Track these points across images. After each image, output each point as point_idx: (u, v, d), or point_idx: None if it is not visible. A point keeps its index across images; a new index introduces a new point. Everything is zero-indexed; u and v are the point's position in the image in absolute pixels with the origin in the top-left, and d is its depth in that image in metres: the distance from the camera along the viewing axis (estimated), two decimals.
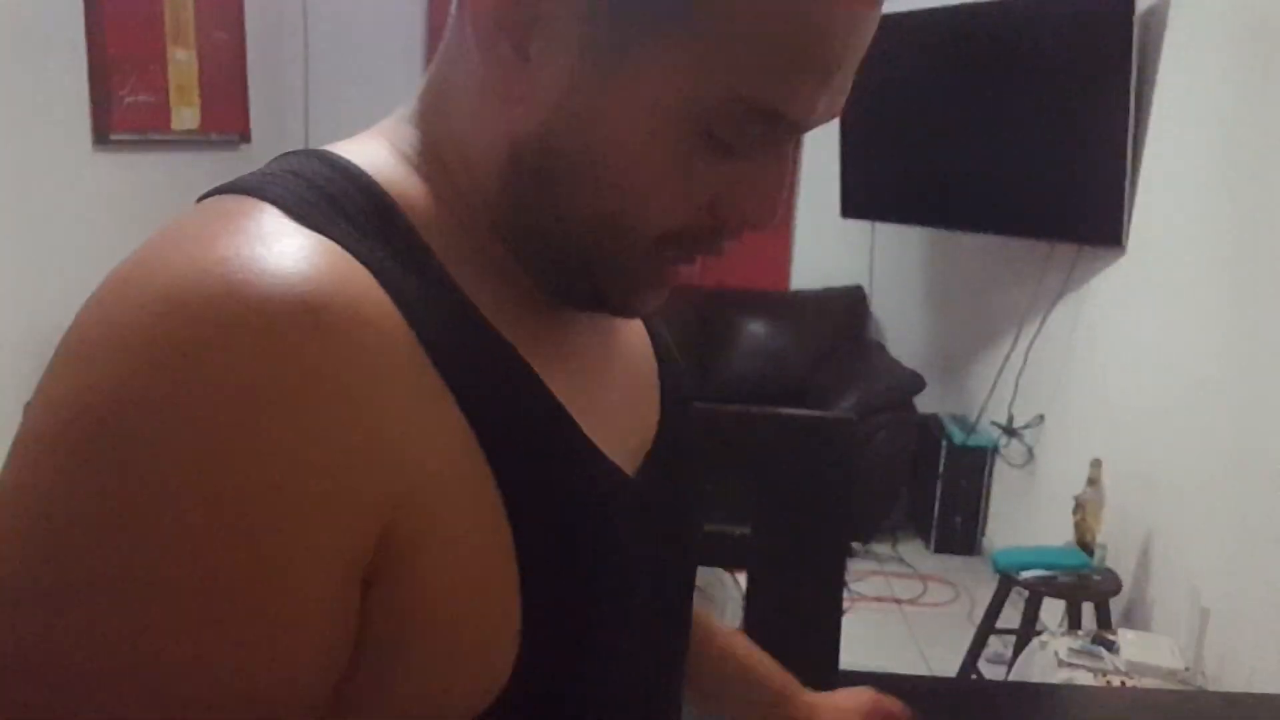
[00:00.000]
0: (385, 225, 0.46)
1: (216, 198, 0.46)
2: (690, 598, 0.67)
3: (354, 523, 0.40)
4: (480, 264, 0.49)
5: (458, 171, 0.50)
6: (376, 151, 0.50)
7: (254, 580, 0.38)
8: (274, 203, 0.44)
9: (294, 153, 0.50)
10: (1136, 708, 1.32)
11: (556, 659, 0.47)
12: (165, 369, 0.38)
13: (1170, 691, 1.74)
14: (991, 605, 2.64)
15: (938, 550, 3.83)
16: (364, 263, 0.43)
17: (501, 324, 0.48)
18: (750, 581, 2.32)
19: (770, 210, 0.49)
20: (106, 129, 2.89)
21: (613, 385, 0.58)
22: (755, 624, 1.38)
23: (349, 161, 0.49)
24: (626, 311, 0.53)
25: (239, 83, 3.61)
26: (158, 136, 3.16)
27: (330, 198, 0.45)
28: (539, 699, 0.47)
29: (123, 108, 2.96)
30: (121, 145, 2.97)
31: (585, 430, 0.51)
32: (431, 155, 0.51)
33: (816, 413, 1.32)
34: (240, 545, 0.38)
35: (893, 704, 0.79)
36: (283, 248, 0.41)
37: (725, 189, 0.48)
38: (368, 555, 0.41)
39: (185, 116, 3.30)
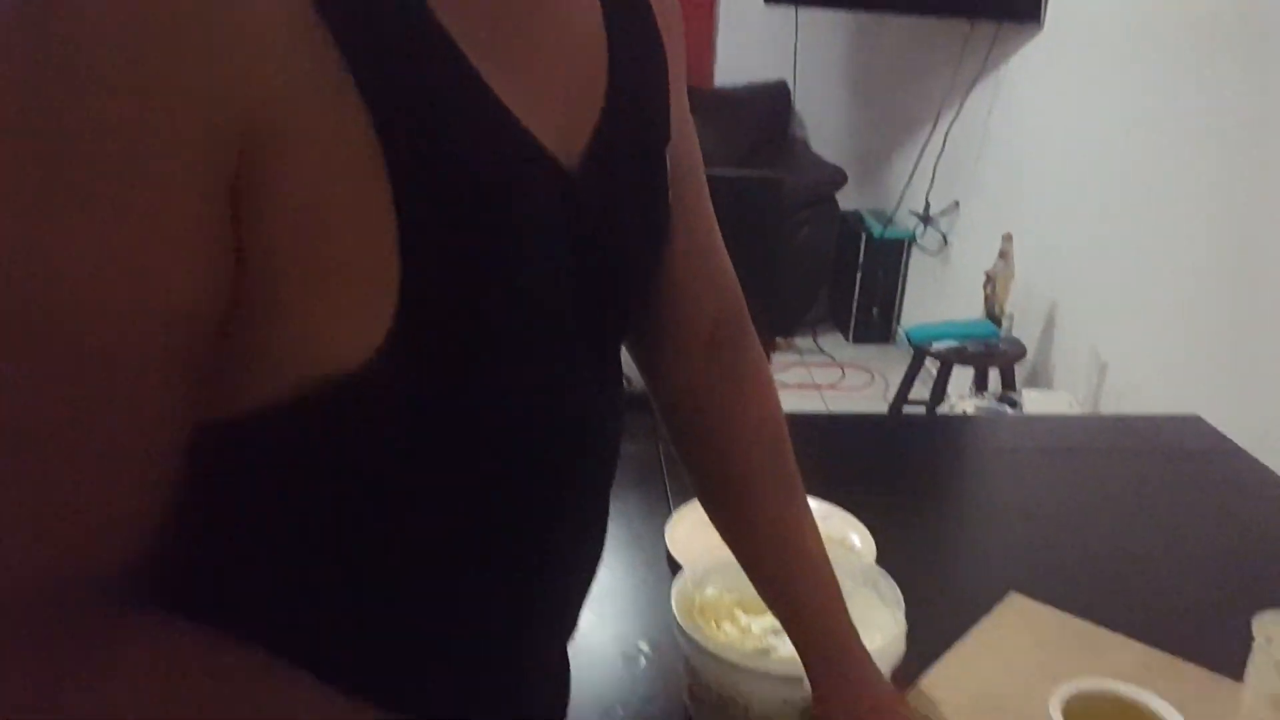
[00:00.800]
0: None
1: None
2: (625, 316, 0.63)
3: (202, 120, 0.38)
4: None
5: None
6: None
7: (97, 178, 0.37)
8: None
9: None
10: (1040, 429, 1.41)
11: (438, 330, 0.45)
12: None
13: (1070, 417, 1.86)
14: (905, 377, 2.77)
15: (856, 341, 3.97)
16: None
17: None
18: None
19: None
20: None
21: (546, 55, 0.52)
22: None
23: None
24: None
25: None
26: None
27: None
28: (420, 370, 0.45)
29: None
30: None
31: (503, 96, 0.47)
32: None
33: (745, 172, 1.30)
34: (76, 139, 0.36)
35: None
36: None
37: None
38: (228, 165, 0.39)
39: None
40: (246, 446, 0.45)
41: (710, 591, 0.88)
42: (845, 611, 0.70)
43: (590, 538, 0.63)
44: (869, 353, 3.89)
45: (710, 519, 0.76)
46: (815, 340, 3.97)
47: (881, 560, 1.00)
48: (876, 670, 0.70)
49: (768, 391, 0.76)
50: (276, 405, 0.43)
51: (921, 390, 2.96)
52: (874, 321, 3.93)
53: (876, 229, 3.78)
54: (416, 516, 0.49)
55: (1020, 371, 2.66)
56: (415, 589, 0.51)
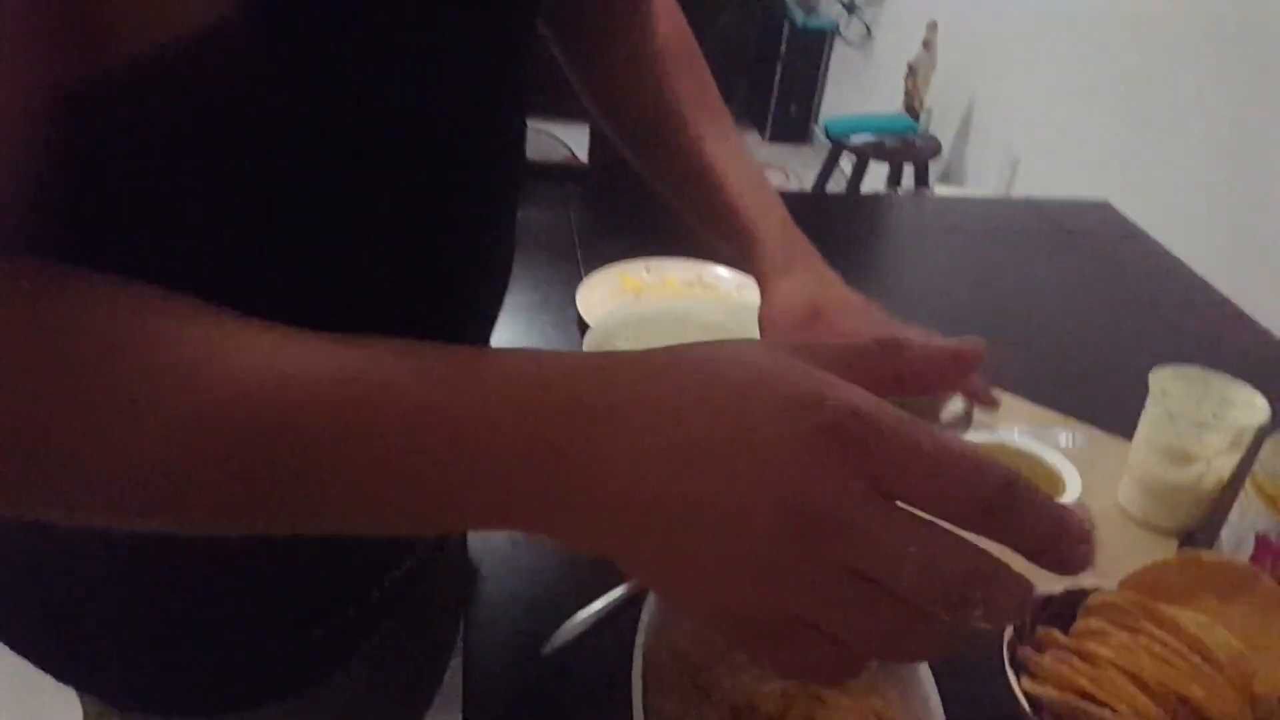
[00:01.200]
0: None
1: None
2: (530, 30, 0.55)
3: None
4: None
5: None
6: None
7: None
8: None
9: None
10: (952, 211, 1.41)
11: None
12: None
13: (982, 199, 1.87)
14: (821, 172, 2.73)
15: (772, 140, 3.89)
16: None
17: None
18: (593, 137, 2.26)
19: None
20: None
21: None
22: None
23: None
24: None
25: None
26: None
27: None
28: (285, 32, 0.38)
29: None
30: None
31: None
32: None
33: None
34: None
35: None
36: None
37: None
38: None
39: None
40: (116, 111, 0.38)
41: (621, 345, 0.86)
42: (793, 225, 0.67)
43: (495, 243, 0.57)
44: (785, 152, 3.83)
45: (636, 161, 0.72)
46: None
47: None
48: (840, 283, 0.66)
49: (672, 15, 0.72)
50: (141, 66, 0.37)
51: (836, 190, 2.94)
52: (792, 119, 3.85)
53: (799, 16, 3.63)
54: (296, 198, 0.43)
55: (935, 168, 2.65)
56: (299, 284, 0.45)
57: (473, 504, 0.31)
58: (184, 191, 0.41)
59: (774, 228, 0.66)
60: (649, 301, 0.97)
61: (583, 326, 0.99)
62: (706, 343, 0.31)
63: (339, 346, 0.32)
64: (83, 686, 0.59)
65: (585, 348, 0.82)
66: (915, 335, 0.48)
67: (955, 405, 0.46)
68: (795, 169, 3.65)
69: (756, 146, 3.86)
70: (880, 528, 0.27)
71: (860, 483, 0.27)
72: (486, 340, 0.62)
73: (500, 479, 0.29)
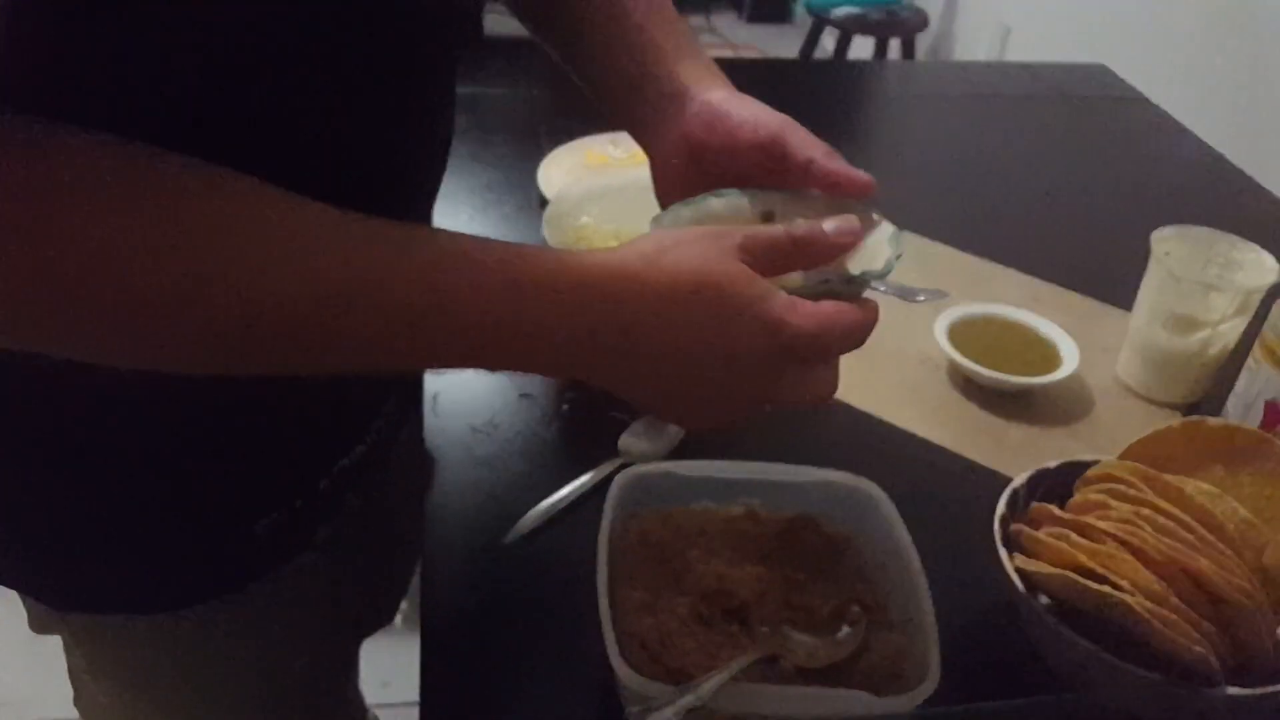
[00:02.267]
0: None
1: None
2: None
3: None
4: None
5: None
6: None
7: None
8: None
9: None
10: (946, 76, 1.33)
11: None
12: None
13: (977, 63, 1.79)
14: (802, 50, 2.61)
15: (751, 20, 3.74)
16: None
17: None
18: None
19: None
20: None
21: None
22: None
23: None
24: None
25: None
26: None
27: None
28: None
29: None
30: None
31: None
32: None
33: None
34: None
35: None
36: None
37: None
38: None
39: None
40: None
41: (585, 220, 0.79)
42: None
43: (437, 106, 0.55)
44: (765, 34, 3.67)
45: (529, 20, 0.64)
46: (708, 19, 3.72)
47: None
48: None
49: None
50: None
51: None
52: None
53: None
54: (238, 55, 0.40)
55: (922, 43, 2.54)
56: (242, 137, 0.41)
57: (541, 357, 0.41)
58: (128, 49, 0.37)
59: (696, 55, 0.57)
60: (612, 174, 0.90)
61: (544, 205, 0.93)
62: (678, 253, 0.40)
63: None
64: (23, 588, 0.57)
65: (544, 223, 0.75)
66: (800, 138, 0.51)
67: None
68: (777, 50, 3.51)
69: (734, 28, 3.70)
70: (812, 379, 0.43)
71: (799, 369, 0.42)
72: (431, 200, 0.59)
73: (567, 357, 0.41)
